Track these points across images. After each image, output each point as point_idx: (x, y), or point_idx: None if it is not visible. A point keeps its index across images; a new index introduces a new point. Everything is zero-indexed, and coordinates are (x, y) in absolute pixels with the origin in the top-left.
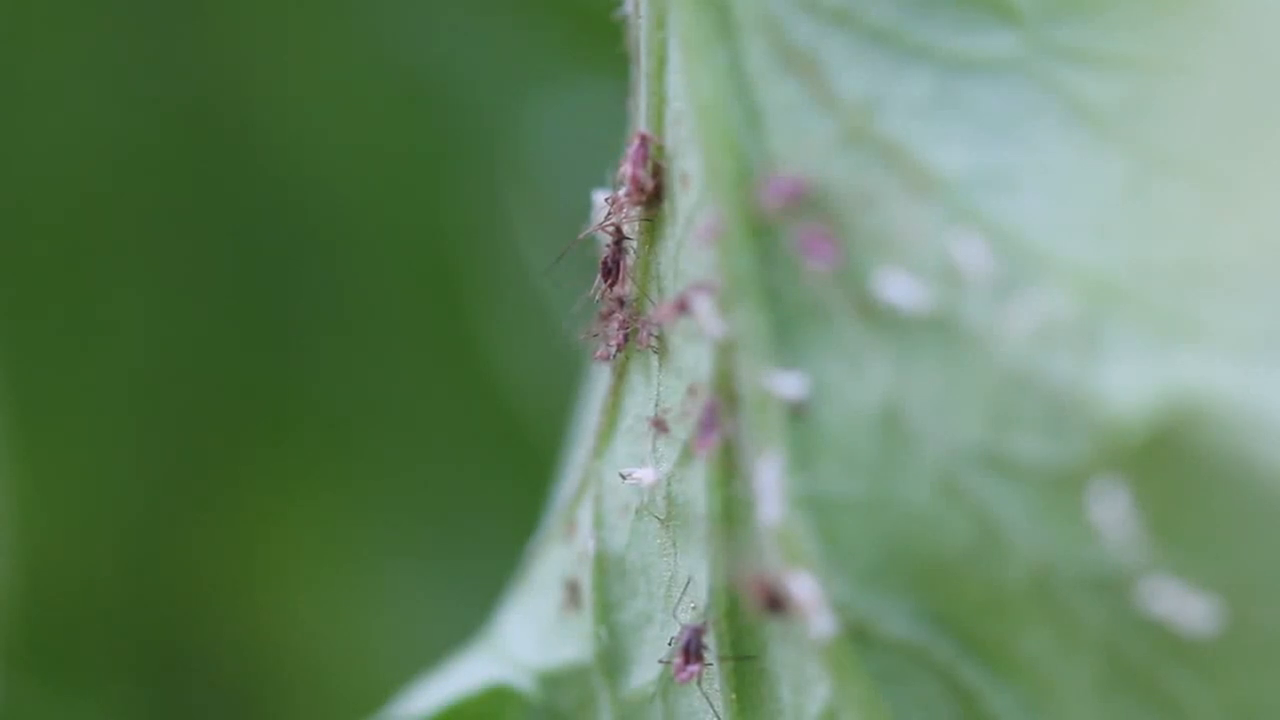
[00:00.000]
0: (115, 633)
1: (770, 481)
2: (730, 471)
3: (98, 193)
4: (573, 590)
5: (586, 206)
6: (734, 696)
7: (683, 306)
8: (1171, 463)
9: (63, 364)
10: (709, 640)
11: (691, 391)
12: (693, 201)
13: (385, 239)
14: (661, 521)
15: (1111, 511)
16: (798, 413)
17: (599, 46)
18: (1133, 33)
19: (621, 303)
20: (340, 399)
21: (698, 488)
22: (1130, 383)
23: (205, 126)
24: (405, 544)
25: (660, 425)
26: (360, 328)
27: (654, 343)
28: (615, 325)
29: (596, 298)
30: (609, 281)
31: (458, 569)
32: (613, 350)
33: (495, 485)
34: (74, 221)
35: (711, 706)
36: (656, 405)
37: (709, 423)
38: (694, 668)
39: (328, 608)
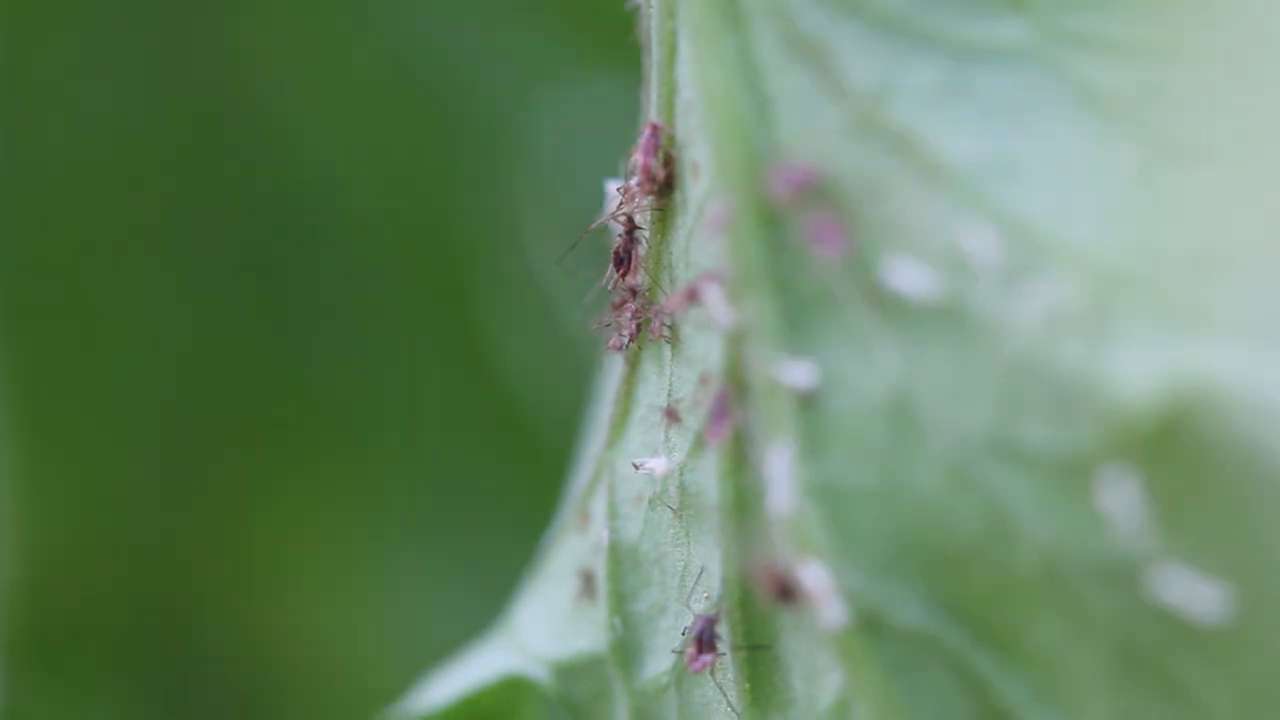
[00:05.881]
0: (119, 632)
1: (781, 471)
2: (741, 461)
3: (104, 191)
4: (587, 580)
5: (594, 197)
6: (747, 686)
7: (693, 296)
8: (1181, 450)
9: (68, 361)
10: (722, 630)
11: (703, 381)
12: (703, 191)
13: (394, 232)
14: (674, 511)
15: (1121, 499)
16: (808, 402)
17: (610, 37)
18: (1144, 19)
19: (634, 292)
20: (348, 394)
21: (710, 477)
22: (1140, 370)
23: (214, 121)
24: (413, 539)
25: (673, 415)
26: (369, 323)
27: (666, 332)
28: (628, 315)
29: (609, 287)
30: (621, 271)
31: (466, 563)
32: (625, 340)
33: (503, 479)
34: (78, 218)
35: (725, 696)
36: (669, 395)
37: (720, 412)
38: (707, 657)
39: (336, 605)
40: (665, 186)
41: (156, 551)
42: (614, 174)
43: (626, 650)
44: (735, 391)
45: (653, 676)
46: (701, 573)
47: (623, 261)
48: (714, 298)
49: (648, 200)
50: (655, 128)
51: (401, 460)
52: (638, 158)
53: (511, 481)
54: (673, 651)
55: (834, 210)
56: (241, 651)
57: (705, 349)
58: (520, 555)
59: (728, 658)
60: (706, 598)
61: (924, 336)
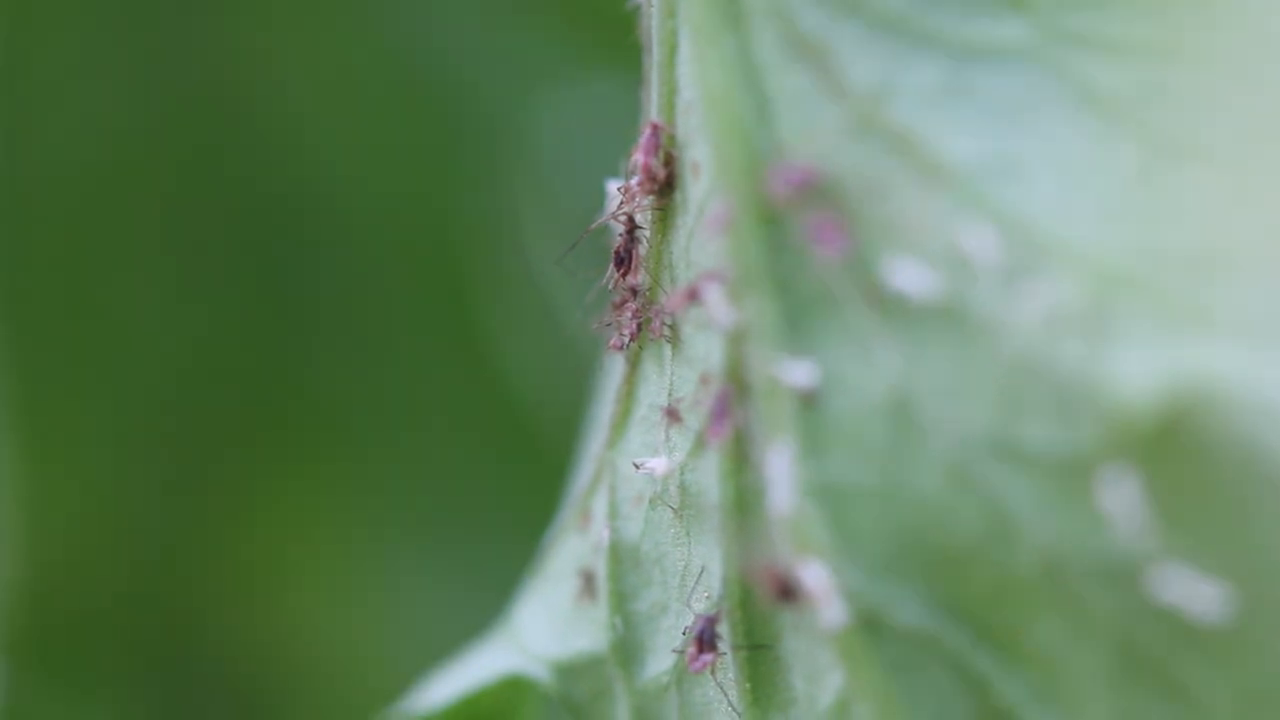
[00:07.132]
0: (120, 632)
1: (781, 470)
2: (742, 461)
3: (104, 191)
4: (588, 580)
5: (594, 197)
6: (748, 686)
7: (693, 295)
8: (1181, 450)
9: (68, 361)
10: (723, 629)
11: (704, 381)
12: (703, 190)
13: (394, 232)
14: (675, 511)
15: (1121, 499)
16: (808, 401)
17: (610, 37)
18: (1145, 19)
19: (635, 292)
20: (348, 394)
21: (710, 477)
22: (1139, 370)
23: (214, 121)
24: (413, 539)
25: (673, 414)
26: (369, 323)
27: (667, 332)
28: (628, 315)
29: (609, 287)
30: (622, 271)
31: (466, 563)
32: (626, 340)
33: (503, 479)
34: (79, 218)
35: (726, 696)
36: (669, 394)
37: (721, 412)
38: (708, 657)
39: (336, 605)
40: (666, 186)
41: (156, 551)
42: (614, 174)
43: (627, 650)
44: (736, 391)
45: (653, 676)
46: (702, 572)
47: (623, 261)
48: (714, 297)
49: (648, 200)
50: (656, 127)
51: (401, 460)
52: (638, 157)
53: (511, 481)
54: (673, 651)
55: (834, 210)
56: (241, 651)
57: (706, 349)
58: (520, 555)
59: (728, 657)
60: (707, 597)
61: (924, 336)
